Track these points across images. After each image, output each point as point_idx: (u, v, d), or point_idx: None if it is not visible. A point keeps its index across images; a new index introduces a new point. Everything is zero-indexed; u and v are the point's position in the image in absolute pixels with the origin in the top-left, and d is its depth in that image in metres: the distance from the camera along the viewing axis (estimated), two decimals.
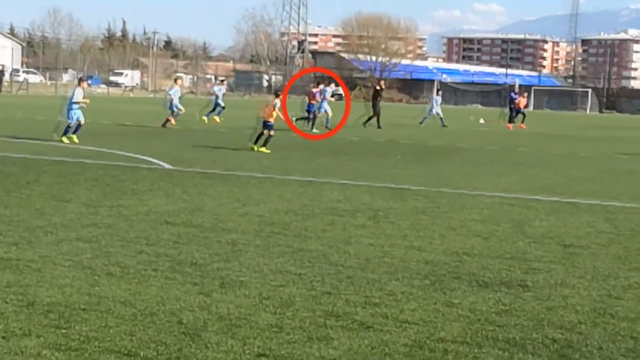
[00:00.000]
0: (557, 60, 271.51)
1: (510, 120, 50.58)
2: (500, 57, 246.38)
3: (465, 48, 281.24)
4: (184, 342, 6.69)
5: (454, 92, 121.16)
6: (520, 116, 51.21)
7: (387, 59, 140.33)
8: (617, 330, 7.56)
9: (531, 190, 18.36)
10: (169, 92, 38.45)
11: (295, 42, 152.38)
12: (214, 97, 43.63)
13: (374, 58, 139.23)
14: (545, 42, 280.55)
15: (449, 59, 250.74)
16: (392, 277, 9.33)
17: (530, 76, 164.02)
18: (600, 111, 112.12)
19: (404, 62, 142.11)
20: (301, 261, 9.91)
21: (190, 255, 9.99)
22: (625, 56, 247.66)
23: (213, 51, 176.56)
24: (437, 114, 49.91)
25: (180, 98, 37.75)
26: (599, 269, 10.15)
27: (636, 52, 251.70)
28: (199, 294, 8.21)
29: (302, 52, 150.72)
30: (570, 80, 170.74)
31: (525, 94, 56.59)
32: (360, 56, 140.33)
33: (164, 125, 35.92)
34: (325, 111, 39.81)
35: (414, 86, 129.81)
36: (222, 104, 42.56)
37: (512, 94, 54.53)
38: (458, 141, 35.50)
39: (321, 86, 41.13)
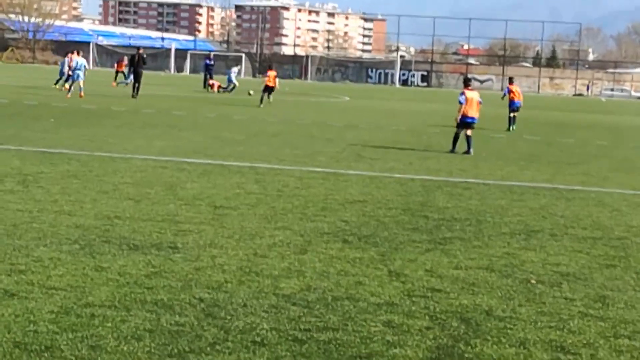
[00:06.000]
0: (212, 25, 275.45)
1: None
2: (157, 20, 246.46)
3: (121, 11, 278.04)
4: None
5: (110, 55, 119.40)
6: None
7: (41, 19, 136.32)
8: (261, 287, 7.83)
9: (184, 153, 18.55)
10: None
11: None
12: None
13: (26, 18, 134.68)
14: (200, 6, 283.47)
15: (105, 22, 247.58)
16: (40, 242, 9.11)
17: (187, 40, 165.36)
18: (254, 76, 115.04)
19: (59, 23, 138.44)
20: None
21: None
22: (277, 23, 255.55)
23: None
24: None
25: None
26: (246, 229, 10.45)
27: (286, 19, 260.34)
28: None
29: None
30: (225, 45, 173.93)
31: None
32: (12, 16, 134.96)
33: None
34: None
35: (70, 48, 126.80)
36: None
37: (207, 61, 58.24)
38: (112, 104, 35.13)
39: None
